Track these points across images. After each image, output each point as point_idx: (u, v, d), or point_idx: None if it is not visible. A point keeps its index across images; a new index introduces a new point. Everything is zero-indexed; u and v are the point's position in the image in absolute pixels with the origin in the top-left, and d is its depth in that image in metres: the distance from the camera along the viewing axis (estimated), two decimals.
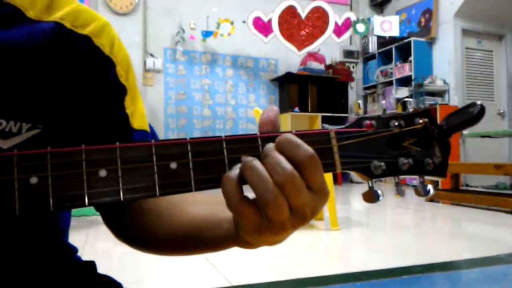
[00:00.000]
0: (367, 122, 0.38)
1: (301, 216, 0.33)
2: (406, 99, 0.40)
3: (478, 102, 0.38)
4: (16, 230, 0.47)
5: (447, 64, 5.56)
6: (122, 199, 0.32)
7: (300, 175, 0.32)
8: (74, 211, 2.92)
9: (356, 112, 0.40)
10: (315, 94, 5.95)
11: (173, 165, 0.33)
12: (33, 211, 0.31)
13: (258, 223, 0.33)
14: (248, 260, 1.93)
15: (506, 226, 2.84)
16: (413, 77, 5.62)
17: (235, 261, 1.88)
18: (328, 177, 2.54)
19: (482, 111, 0.38)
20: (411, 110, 0.40)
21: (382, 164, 0.37)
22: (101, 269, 0.58)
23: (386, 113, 0.40)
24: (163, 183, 0.33)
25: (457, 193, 3.81)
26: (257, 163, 0.32)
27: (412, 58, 5.70)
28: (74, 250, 0.57)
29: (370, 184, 0.38)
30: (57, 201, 0.31)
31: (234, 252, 2.06)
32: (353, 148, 0.37)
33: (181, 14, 5.74)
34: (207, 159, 0.34)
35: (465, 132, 4.88)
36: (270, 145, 0.34)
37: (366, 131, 0.38)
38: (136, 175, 0.32)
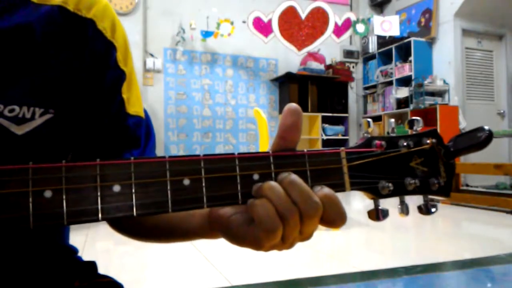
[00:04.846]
0: (377, 142, 0.38)
1: (308, 235, 0.36)
2: (413, 118, 0.41)
3: (487, 128, 0.38)
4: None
5: (447, 64, 5.56)
6: (135, 214, 0.32)
7: (300, 220, 0.34)
8: None
9: (366, 131, 0.40)
10: (315, 94, 5.95)
11: (186, 182, 0.33)
12: (46, 225, 0.30)
13: (279, 241, 0.35)
14: (248, 260, 1.93)
15: (506, 226, 2.84)
16: (413, 77, 5.61)
17: (235, 261, 1.88)
18: None
19: (490, 136, 0.38)
20: (418, 129, 0.40)
21: (390, 185, 0.38)
22: (101, 269, 0.58)
23: (393, 133, 0.40)
24: (176, 199, 0.33)
25: (457, 193, 3.81)
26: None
27: (412, 58, 5.70)
28: (74, 250, 0.57)
29: (376, 203, 0.39)
30: (71, 215, 0.31)
31: (234, 252, 2.07)
32: (362, 168, 0.37)
33: (181, 14, 5.74)
34: (219, 175, 0.34)
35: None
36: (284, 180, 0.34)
37: (376, 151, 0.38)
38: (150, 190, 0.33)
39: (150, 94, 5.60)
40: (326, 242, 2.36)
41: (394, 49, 6.01)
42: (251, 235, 0.34)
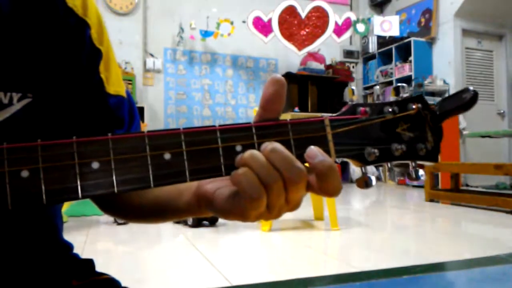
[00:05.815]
0: (361, 108, 0.38)
1: (296, 203, 0.35)
2: (399, 84, 0.41)
3: (471, 88, 0.38)
4: (12, 228, 0.47)
5: (447, 64, 5.56)
6: (116, 191, 0.32)
7: (284, 187, 0.33)
8: (74, 211, 2.92)
9: (350, 98, 0.40)
10: (315, 94, 5.94)
11: (167, 156, 0.33)
12: (26, 205, 0.30)
13: (264, 210, 0.34)
14: (248, 260, 1.93)
15: (506, 226, 2.84)
16: (413, 77, 5.62)
17: (235, 261, 1.88)
18: None
19: (475, 96, 0.38)
20: (404, 95, 0.40)
21: (376, 150, 0.37)
22: (101, 269, 0.58)
23: (379, 99, 0.40)
24: (157, 174, 0.32)
25: (457, 193, 3.81)
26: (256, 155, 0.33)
27: (412, 58, 5.70)
28: (70, 247, 0.56)
29: (364, 171, 0.39)
30: (50, 194, 0.31)
31: (234, 252, 2.06)
32: (347, 135, 0.37)
33: (181, 14, 5.74)
34: (201, 148, 0.33)
35: (465, 132, 4.88)
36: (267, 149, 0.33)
37: (360, 118, 0.38)
38: (130, 166, 0.32)
39: (150, 94, 5.60)
40: (326, 242, 2.36)
41: (394, 49, 6.01)
42: (237, 206, 0.34)
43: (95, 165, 0.31)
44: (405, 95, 0.40)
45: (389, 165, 0.40)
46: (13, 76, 0.42)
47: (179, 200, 0.43)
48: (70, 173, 0.31)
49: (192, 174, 0.33)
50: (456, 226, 2.98)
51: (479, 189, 4.72)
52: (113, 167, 0.32)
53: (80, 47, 0.48)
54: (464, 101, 0.38)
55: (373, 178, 0.38)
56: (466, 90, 0.38)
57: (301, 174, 0.33)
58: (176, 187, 0.44)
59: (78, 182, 0.31)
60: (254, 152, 0.33)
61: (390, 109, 0.39)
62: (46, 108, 0.45)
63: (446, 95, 5.53)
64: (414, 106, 0.39)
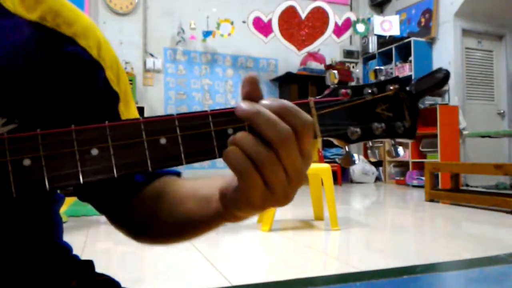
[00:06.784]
0: (343, 90, 0.40)
1: (298, 178, 0.35)
2: (377, 68, 0.43)
3: (444, 68, 0.41)
4: (12, 230, 0.47)
5: (447, 64, 5.56)
6: (116, 175, 0.33)
7: (277, 157, 0.33)
8: (74, 211, 2.92)
9: (332, 82, 0.42)
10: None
11: (163, 140, 0.34)
12: (29, 192, 0.31)
13: (263, 189, 0.34)
14: (248, 260, 1.93)
15: (506, 226, 2.84)
16: (413, 77, 5.61)
17: (235, 261, 1.88)
18: (328, 177, 2.54)
19: (447, 76, 0.40)
20: (382, 78, 0.42)
21: (358, 130, 0.40)
22: (101, 269, 0.58)
23: (360, 83, 0.42)
24: (154, 157, 0.34)
25: (457, 193, 3.81)
26: (246, 134, 0.34)
27: (412, 58, 5.70)
28: (69, 248, 0.56)
29: (347, 149, 0.41)
30: (52, 180, 0.32)
31: (234, 252, 2.06)
32: (331, 116, 0.39)
33: (181, 14, 5.74)
34: (194, 132, 0.35)
35: (465, 132, 4.88)
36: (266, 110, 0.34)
37: (342, 99, 0.40)
38: (127, 151, 0.33)
39: (150, 94, 5.60)
40: (326, 242, 2.36)
41: (394, 49, 6.01)
42: (240, 192, 0.35)
43: (94, 151, 0.33)
44: (382, 78, 0.42)
45: (370, 143, 0.43)
46: (1, 102, 0.42)
47: (208, 209, 0.43)
48: (70, 160, 0.32)
49: (188, 157, 0.35)
50: (456, 226, 2.98)
51: (479, 189, 4.72)
52: (112, 152, 0.33)
53: (91, 88, 0.48)
54: (437, 80, 0.41)
55: (356, 156, 0.41)
56: (439, 70, 0.41)
57: (288, 134, 0.33)
58: (203, 198, 0.43)
59: (79, 168, 0.32)
60: (242, 132, 0.34)
61: (370, 91, 0.41)
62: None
63: (446, 95, 5.53)
64: (391, 87, 0.41)
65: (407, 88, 0.42)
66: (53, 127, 0.43)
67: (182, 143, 0.34)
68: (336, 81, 0.42)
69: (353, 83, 0.43)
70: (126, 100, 0.52)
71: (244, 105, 0.34)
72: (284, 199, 0.35)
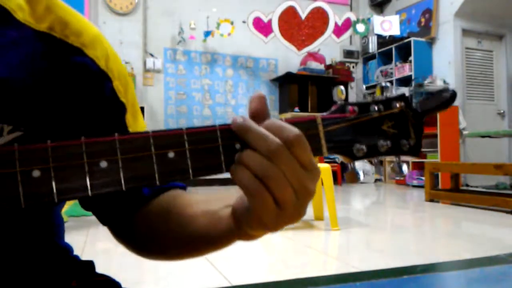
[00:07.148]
0: (350, 107, 0.40)
1: (305, 192, 0.35)
2: (384, 85, 0.42)
3: (450, 87, 0.42)
4: (13, 230, 0.47)
5: (447, 64, 5.56)
6: (123, 188, 0.33)
7: (284, 175, 0.34)
8: (74, 211, 2.92)
9: (339, 98, 0.42)
10: (315, 94, 5.94)
11: (171, 154, 0.34)
12: (38, 203, 0.31)
13: (273, 208, 0.34)
14: (248, 260, 1.93)
15: (506, 226, 2.84)
16: (413, 77, 5.61)
17: (235, 261, 1.88)
18: (328, 177, 2.54)
19: (453, 96, 0.41)
20: (388, 94, 0.43)
21: (363, 147, 0.40)
22: (101, 269, 0.58)
23: (366, 97, 0.41)
24: (162, 171, 0.34)
25: (457, 193, 3.81)
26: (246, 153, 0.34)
27: (412, 58, 5.70)
28: (69, 249, 0.56)
29: (352, 166, 0.42)
30: (61, 192, 0.32)
31: (234, 252, 2.06)
32: (337, 133, 0.40)
33: (181, 14, 5.74)
34: (202, 147, 0.35)
35: (465, 132, 4.88)
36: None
37: (349, 116, 0.40)
38: (136, 164, 0.34)
39: (150, 94, 5.60)
40: (326, 242, 2.36)
41: (394, 49, 6.01)
42: (251, 210, 0.35)
43: (103, 164, 0.33)
44: (389, 94, 0.43)
45: (375, 161, 0.43)
46: (6, 109, 0.42)
47: (218, 227, 0.43)
48: (79, 172, 0.32)
49: (195, 171, 0.35)
50: (456, 226, 2.98)
51: (479, 189, 4.72)
52: (121, 165, 0.33)
53: (98, 98, 0.48)
54: (443, 99, 0.41)
55: (361, 172, 0.41)
56: (446, 89, 0.41)
57: (296, 133, 0.34)
58: (214, 214, 0.44)
59: (88, 181, 0.32)
60: (248, 150, 0.34)
61: (376, 108, 0.41)
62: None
63: None
64: (398, 105, 0.41)
65: (413, 106, 0.42)
66: (59, 135, 0.43)
67: (190, 157, 0.35)
68: (343, 97, 0.42)
69: (353, 83, 0.43)
70: (133, 111, 0.52)
71: (237, 121, 0.35)
72: (295, 215, 0.36)
